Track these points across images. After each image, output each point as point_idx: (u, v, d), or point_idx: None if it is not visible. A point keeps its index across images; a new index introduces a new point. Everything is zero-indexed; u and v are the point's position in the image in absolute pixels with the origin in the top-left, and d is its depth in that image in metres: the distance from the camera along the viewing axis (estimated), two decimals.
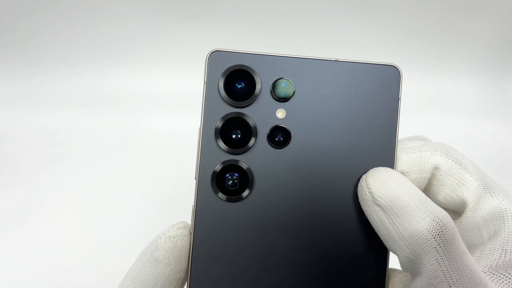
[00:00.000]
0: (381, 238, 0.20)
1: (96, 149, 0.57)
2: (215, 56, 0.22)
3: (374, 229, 0.20)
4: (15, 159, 0.56)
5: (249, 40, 0.60)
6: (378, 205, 0.19)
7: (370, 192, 0.19)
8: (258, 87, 0.22)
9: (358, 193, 0.21)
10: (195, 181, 0.22)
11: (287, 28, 0.60)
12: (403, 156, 0.22)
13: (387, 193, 0.19)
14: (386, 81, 0.22)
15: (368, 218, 0.20)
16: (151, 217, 0.52)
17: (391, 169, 0.20)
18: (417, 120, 0.61)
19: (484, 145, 0.61)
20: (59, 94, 0.61)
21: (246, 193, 0.22)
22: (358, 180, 0.21)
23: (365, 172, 0.21)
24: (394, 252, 0.19)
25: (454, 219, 0.22)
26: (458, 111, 0.63)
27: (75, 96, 0.61)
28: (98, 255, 0.48)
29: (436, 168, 0.22)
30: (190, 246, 0.21)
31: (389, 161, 0.22)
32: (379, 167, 0.20)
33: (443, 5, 0.60)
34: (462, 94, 0.64)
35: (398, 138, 0.22)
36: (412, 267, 0.19)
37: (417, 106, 0.63)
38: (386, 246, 0.19)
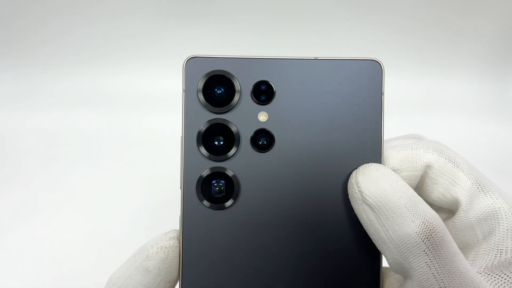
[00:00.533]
0: (370, 237, 0.19)
1: (96, 149, 0.57)
2: (192, 63, 0.21)
3: (364, 227, 0.19)
4: (15, 159, 0.56)
5: (249, 40, 0.60)
6: (368, 204, 0.18)
7: (360, 191, 0.19)
8: (237, 91, 0.21)
9: (348, 190, 0.20)
10: (180, 190, 0.21)
11: (287, 28, 0.60)
12: (394, 153, 0.21)
13: (376, 192, 0.18)
14: (368, 76, 0.21)
15: (357, 216, 0.20)
16: (151, 217, 0.52)
17: (382, 166, 0.20)
18: (416, 120, 0.61)
19: (484, 145, 0.61)
20: (59, 94, 0.61)
21: (232, 199, 0.21)
22: (347, 178, 0.21)
23: (356, 168, 0.20)
24: (382, 253, 0.19)
25: (448, 218, 0.22)
26: (457, 111, 0.63)
27: (75, 96, 0.61)
28: (98, 255, 0.48)
29: (428, 166, 0.21)
30: (180, 255, 0.21)
31: (376, 157, 0.21)
32: (369, 164, 0.20)
33: (443, 5, 0.60)
34: (462, 94, 0.64)
35: (384, 133, 0.22)
36: (400, 269, 0.19)
37: (416, 106, 0.63)
38: (376, 245, 0.19)
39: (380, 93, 0.21)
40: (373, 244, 0.20)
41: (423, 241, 0.17)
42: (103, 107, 0.61)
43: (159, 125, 0.60)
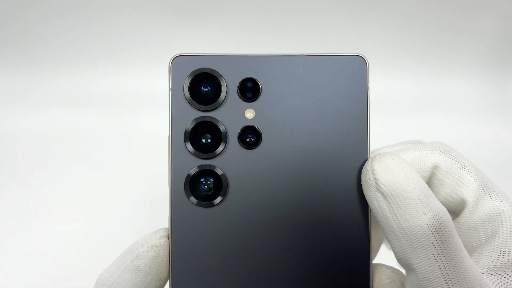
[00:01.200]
0: (379, 225, 0.20)
1: (96, 149, 0.57)
2: (178, 62, 0.22)
3: (373, 214, 0.20)
4: (14, 159, 0.56)
5: (249, 40, 0.60)
6: (381, 192, 0.19)
7: (375, 178, 0.19)
8: (224, 89, 0.21)
9: (361, 176, 0.20)
10: (168, 188, 0.21)
11: (287, 28, 0.60)
12: (402, 155, 0.22)
13: (391, 181, 0.18)
14: (353, 72, 0.22)
15: (368, 202, 0.20)
16: (151, 217, 0.52)
17: (397, 156, 0.20)
18: (417, 120, 0.61)
19: (484, 145, 0.61)
20: (59, 94, 0.61)
21: (221, 197, 0.21)
22: (333, 173, 0.21)
23: (342, 160, 0.21)
24: (389, 241, 0.19)
25: (452, 219, 0.22)
26: (458, 111, 0.63)
27: (75, 96, 0.61)
28: (98, 255, 0.48)
29: (435, 167, 0.21)
30: (169, 253, 0.21)
31: (362, 152, 0.21)
32: (385, 152, 0.20)
33: (443, 5, 0.60)
34: (462, 94, 0.64)
35: (371, 128, 0.22)
36: (406, 259, 0.19)
37: (416, 106, 0.63)
38: (383, 233, 0.19)
39: (365, 88, 0.22)
40: (362, 240, 0.20)
41: (432, 234, 0.18)
42: (102, 107, 0.61)
43: (158, 125, 0.59)
